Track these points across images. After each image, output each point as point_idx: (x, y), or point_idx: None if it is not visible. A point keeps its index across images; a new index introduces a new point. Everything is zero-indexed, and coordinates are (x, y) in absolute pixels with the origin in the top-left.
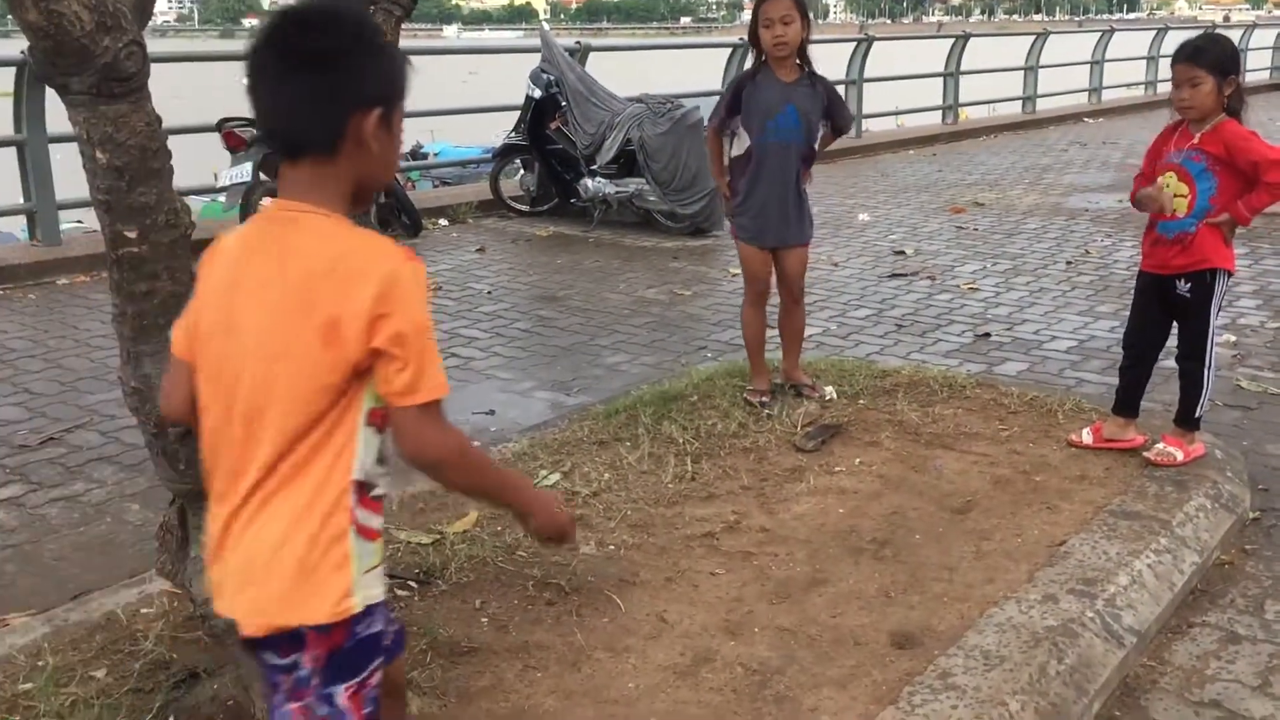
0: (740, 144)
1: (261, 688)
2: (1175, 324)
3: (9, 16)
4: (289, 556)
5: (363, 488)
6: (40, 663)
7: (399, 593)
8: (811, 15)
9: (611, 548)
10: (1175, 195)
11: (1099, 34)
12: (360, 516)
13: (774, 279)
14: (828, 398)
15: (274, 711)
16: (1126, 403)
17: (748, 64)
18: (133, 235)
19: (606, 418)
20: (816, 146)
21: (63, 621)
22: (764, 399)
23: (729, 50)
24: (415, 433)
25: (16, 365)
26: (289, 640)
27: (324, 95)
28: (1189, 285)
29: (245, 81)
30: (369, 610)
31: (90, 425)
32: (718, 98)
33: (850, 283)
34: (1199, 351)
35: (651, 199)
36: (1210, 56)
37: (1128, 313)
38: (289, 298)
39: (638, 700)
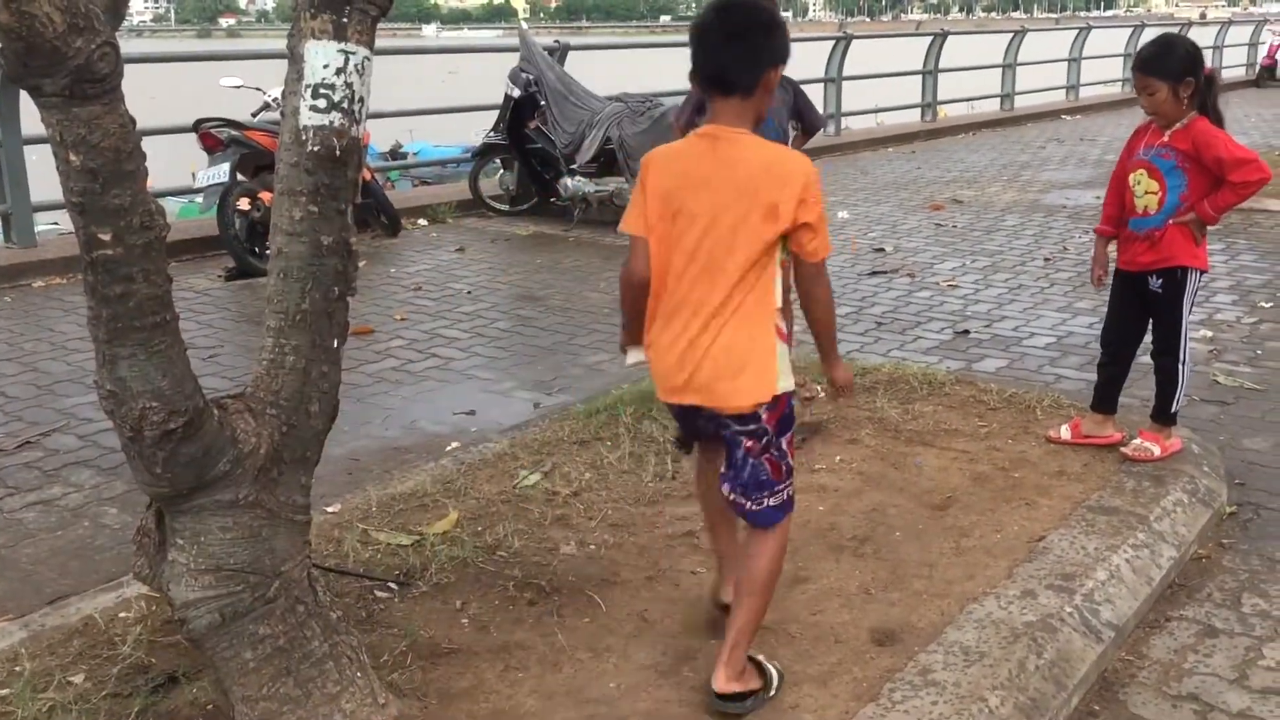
0: None
1: (706, 459)
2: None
3: None
4: (753, 358)
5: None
6: (17, 668)
7: (379, 594)
8: (789, 14)
9: (592, 547)
10: (1146, 192)
11: (1076, 31)
12: (781, 330)
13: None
14: (819, 395)
15: (743, 463)
16: (1104, 399)
17: None
18: (107, 238)
19: (587, 417)
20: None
21: (40, 626)
22: None
23: None
24: (815, 275)
25: None
26: (751, 413)
27: (753, 55)
28: (1160, 282)
29: (692, 45)
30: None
31: (67, 429)
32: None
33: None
34: (1173, 347)
35: None
36: (1160, 64)
37: (1105, 309)
38: (738, 187)
39: (619, 700)
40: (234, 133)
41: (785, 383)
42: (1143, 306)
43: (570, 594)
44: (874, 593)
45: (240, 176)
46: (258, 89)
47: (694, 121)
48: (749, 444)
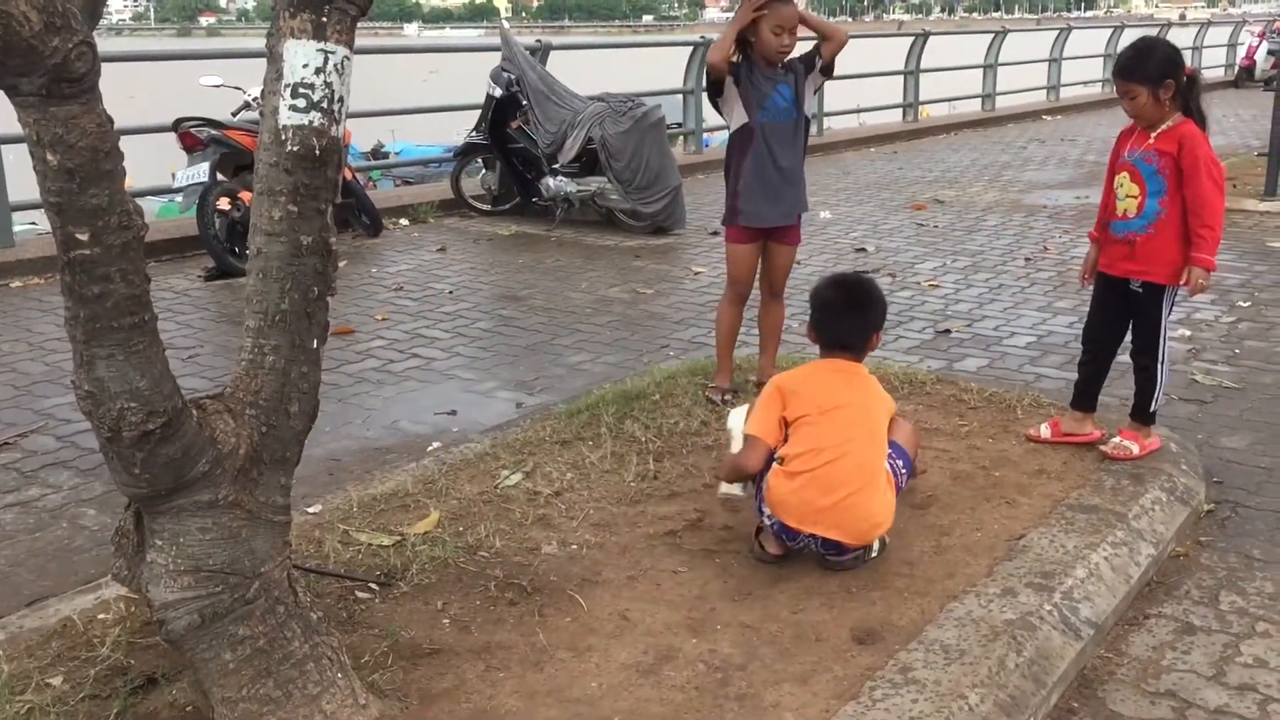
0: (738, 117)
1: None
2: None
3: None
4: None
5: None
6: None
7: (360, 595)
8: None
9: (574, 547)
10: (1127, 195)
11: (1057, 32)
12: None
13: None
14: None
15: None
16: (1084, 396)
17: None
18: (84, 238)
19: (569, 417)
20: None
21: (18, 628)
22: (726, 397)
23: (690, 49)
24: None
25: None
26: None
27: (865, 324)
28: (1140, 283)
29: (814, 310)
30: None
31: (46, 429)
32: (683, 97)
33: (812, 280)
34: (1152, 347)
35: (613, 198)
36: (1138, 69)
37: (1086, 308)
38: (865, 398)
39: (600, 699)
40: (214, 132)
41: None
42: (1124, 307)
43: (552, 594)
44: (855, 591)
45: (220, 176)
46: (238, 88)
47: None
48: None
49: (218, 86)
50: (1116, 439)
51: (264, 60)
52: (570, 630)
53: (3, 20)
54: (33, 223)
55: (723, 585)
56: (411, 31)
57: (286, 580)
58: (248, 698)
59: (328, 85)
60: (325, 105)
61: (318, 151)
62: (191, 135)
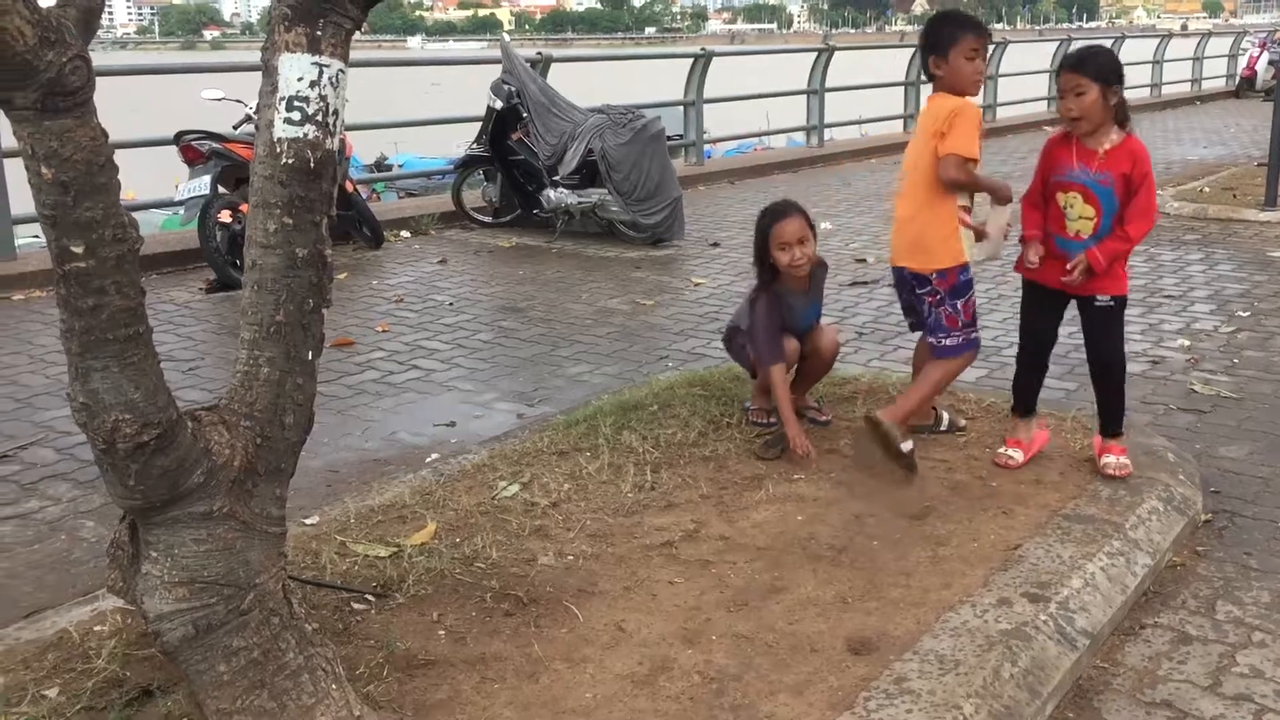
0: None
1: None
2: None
3: None
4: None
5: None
6: None
7: (356, 606)
8: (773, 26)
9: (570, 558)
10: (1080, 217)
11: (1058, 43)
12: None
13: None
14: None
15: (927, 315)
16: (1028, 401)
17: (709, 75)
18: (79, 250)
19: (567, 428)
20: None
21: (14, 640)
22: (772, 419)
23: (690, 60)
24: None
25: None
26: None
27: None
28: (1110, 298)
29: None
30: (965, 266)
31: (45, 442)
32: (684, 109)
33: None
34: (1120, 356)
35: (614, 209)
36: (1091, 63)
37: (1075, 318)
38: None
39: (595, 710)
40: (215, 145)
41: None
42: (1057, 314)
43: (547, 605)
44: (851, 602)
45: (221, 189)
46: (239, 101)
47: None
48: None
49: (219, 100)
50: (1111, 459)
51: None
52: (566, 641)
53: None
54: (35, 236)
55: (719, 596)
56: (415, 44)
57: (282, 592)
58: (242, 709)
59: (322, 98)
60: (320, 118)
61: (312, 164)
62: (193, 148)
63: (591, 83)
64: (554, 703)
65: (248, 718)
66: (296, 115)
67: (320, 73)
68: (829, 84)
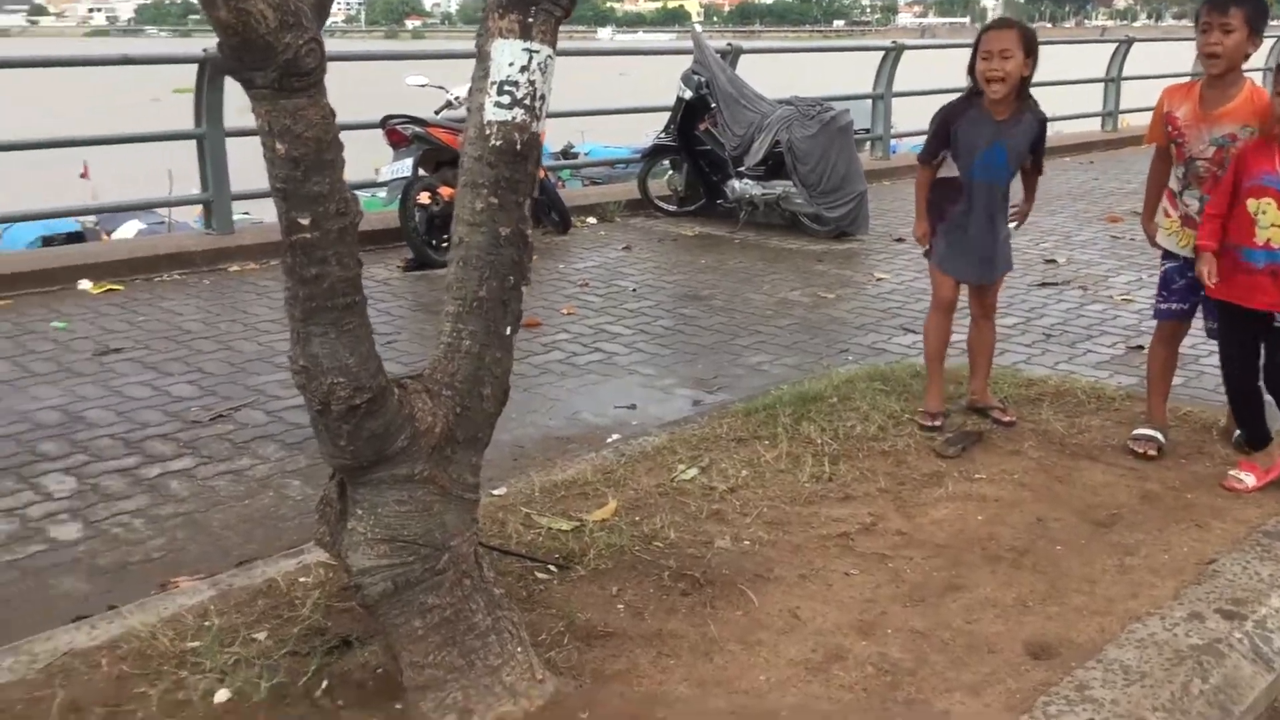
0: (948, 169)
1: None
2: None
3: (190, 17)
4: None
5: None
6: (206, 623)
7: (539, 575)
8: (966, 20)
9: (746, 543)
10: (1272, 224)
11: (1275, 39)
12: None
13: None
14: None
15: None
16: (1258, 432)
17: (899, 69)
18: (306, 222)
19: (746, 416)
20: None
21: (228, 586)
22: (936, 422)
23: (881, 54)
24: None
25: (191, 346)
26: None
27: None
28: None
29: None
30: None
31: (257, 404)
32: (872, 103)
33: (1011, 294)
34: None
35: (798, 201)
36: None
37: None
38: None
39: (769, 693)
40: (418, 129)
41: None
42: (1252, 334)
43: (723, 587)
44: (1031, 605)
45: (421, 172)
46: (441, 87)
47: (936, 156)
48: None
49: (423, 86)
50: (1235, 471)
51: (465, 61)
52: (741, 624)
53: (243, 18)
54: (246, 213)
55: (894, 590)
56: (605, 35)
57: (474, 555)
58: (434, 664)
59: (531, 83)
60: (528, 102)
61: (519, 146)
62: (397, 132)
63: (779, 75)
64: (728, 682)
65: (439, 672)
66: (506, 99)
67: (530, 58)
68: None
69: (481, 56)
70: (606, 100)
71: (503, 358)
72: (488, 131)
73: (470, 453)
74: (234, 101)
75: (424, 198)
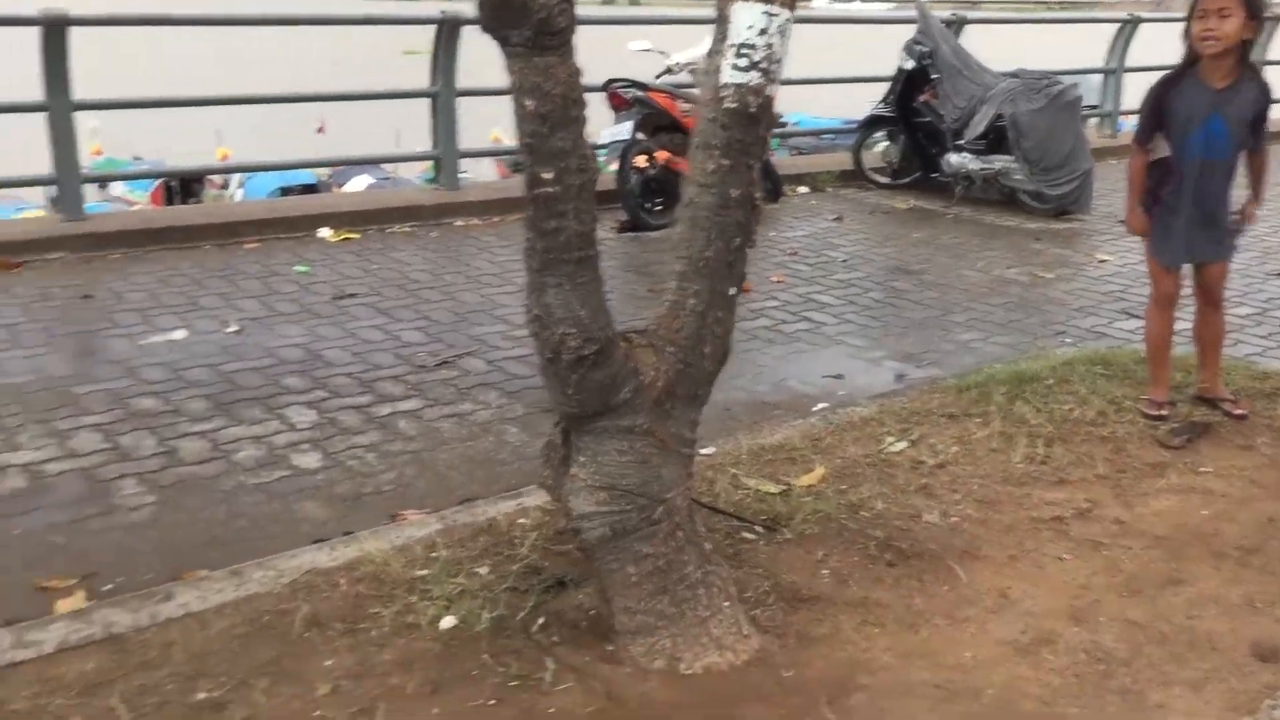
0: (1161, 149)
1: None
2: None
3: None
4: None
5: None
6: (434, 554)
7: (745, 535)
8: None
9: (955, 519)
10: None
11: None
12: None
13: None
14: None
15: None
16: None
17: (1134, 42)
18: (549, 176)
19: (958, 392)
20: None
21: (452, 521)
22: (1162, 411)
23: (1116, 25)
24: None
25: (419, 295)
26: None
27: None
28: None
29: None
30: None
31: (479, 353)
32: (1102, 77)
33: (1232, 278)
34: None
35: (1017, 177)
36: None
37: None
38: None
39: (974, 670)
40: (638, 93)
41: None
42: None
43: (930, 561)
44: (1260, 606)
45: (640, 135)
46: (662, 53)
47: (1151, 139)
48: None
49: (646, 51)
50: None
51: (686, 27)
52: (947, 599)
53: None
54: (464, 172)
55: (1109, 579)
56: (820, 4)
57: (687, 510)
58: (645, 610)
59: (769, 46)
60: (765, 65)
61: (753, 109)
62: (619, 95)
63: (1003, 46)
64: (932, 655)
65: (649, 619)
66: (743, 62)
67: (770, 21)
68: (1270, 55)
69: (721, 19)
70: (815, 70)
71: (725, 317)
72: (723, 94)
73: (689, 409)
74: (468, 61)
75: (640, 161)
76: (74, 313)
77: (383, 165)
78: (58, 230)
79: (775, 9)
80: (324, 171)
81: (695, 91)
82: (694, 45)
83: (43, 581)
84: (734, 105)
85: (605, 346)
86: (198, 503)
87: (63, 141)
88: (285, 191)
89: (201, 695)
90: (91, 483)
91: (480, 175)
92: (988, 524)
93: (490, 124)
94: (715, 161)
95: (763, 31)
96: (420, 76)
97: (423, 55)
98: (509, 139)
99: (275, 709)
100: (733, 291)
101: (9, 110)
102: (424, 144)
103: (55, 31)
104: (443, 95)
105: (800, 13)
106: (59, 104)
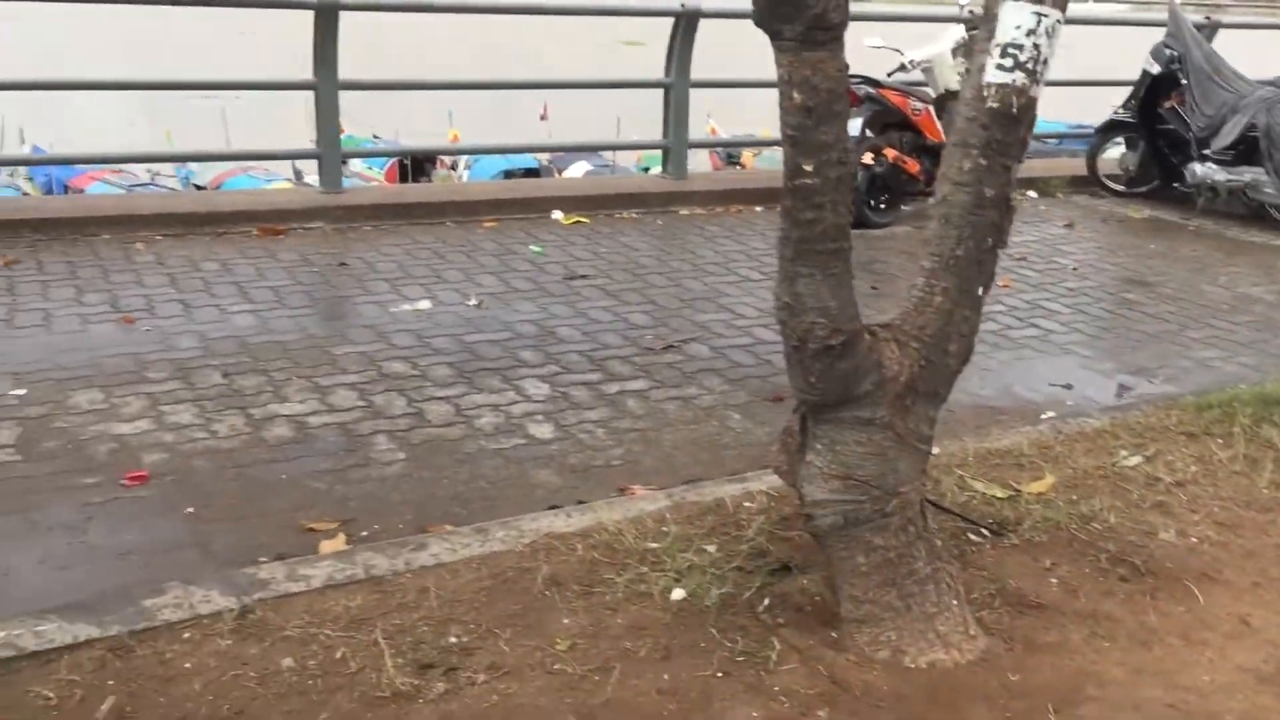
0: None
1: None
2: None
3: None
4: None
5: None
6: (664, 529)
7: (971, 537)
8: None
9: (1193, 540)
10: None
11: None
12: None
13: None
14: None
15: None
16: None
17: None
18: (809, 168)
19: (1198, 411)
20: None
21: (680, 499)
22: None
23: None
24: None
25: (645, 279)
26: None
27: None
28: None
29: None
30: None
31: (702, 340)
32: None
33: None
34: None
35: (1268, 191)
36: None
37: None
38: None
39: (1212, 694)
40: (870, 90)
41: None
42: None
43: (1165, 580)
44: None
45: (869, 132)
46: (896, 50)
47: None
48: None
49: (878, 48)
50: None
51: (923, 25)
52: (1183, 620)
53: None
54: (645, 168)
55: None
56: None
57: (919, 505)
58: (872, 600)
59: (1035, 47)
60: (1030, 66)
61: (1015, 110)
62: (851, 92)
63: (1259, 53)
64: (1166, 675)
65: (876, 609)
66: (1008, 62)
67: (1039, 22)
68: None
69: (988, 18)
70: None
71: (971, 316)
72: (985, 93)
73: (929, 406)
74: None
75: (868, 158)
76: (332, 278)
77: (602, 154)
78: (317, 201)
79: (1046, 9)
80: (545, 156)
81: (928, 90)
82: (929, 43)
83: (308, 523)
84: (995, 105)
85: (852, 338)
86: (443, 462)
87: (327, 119)
88: (508, 175)
89: (452, 639)
90: (349, 436)
91: (695, 166)
92: (1229, 547)
93: (705, 117)
94: (972, 160)
95: (1030, 32)
96: (635, 67)
97: (642, 46)
98: (724, 131)
99: (518, 659)
100: (981, 292)
101: (285, 88)
102: (641, 133)
103: (328, 15)
104: (677, 86)
105: None
106: (327, 83)
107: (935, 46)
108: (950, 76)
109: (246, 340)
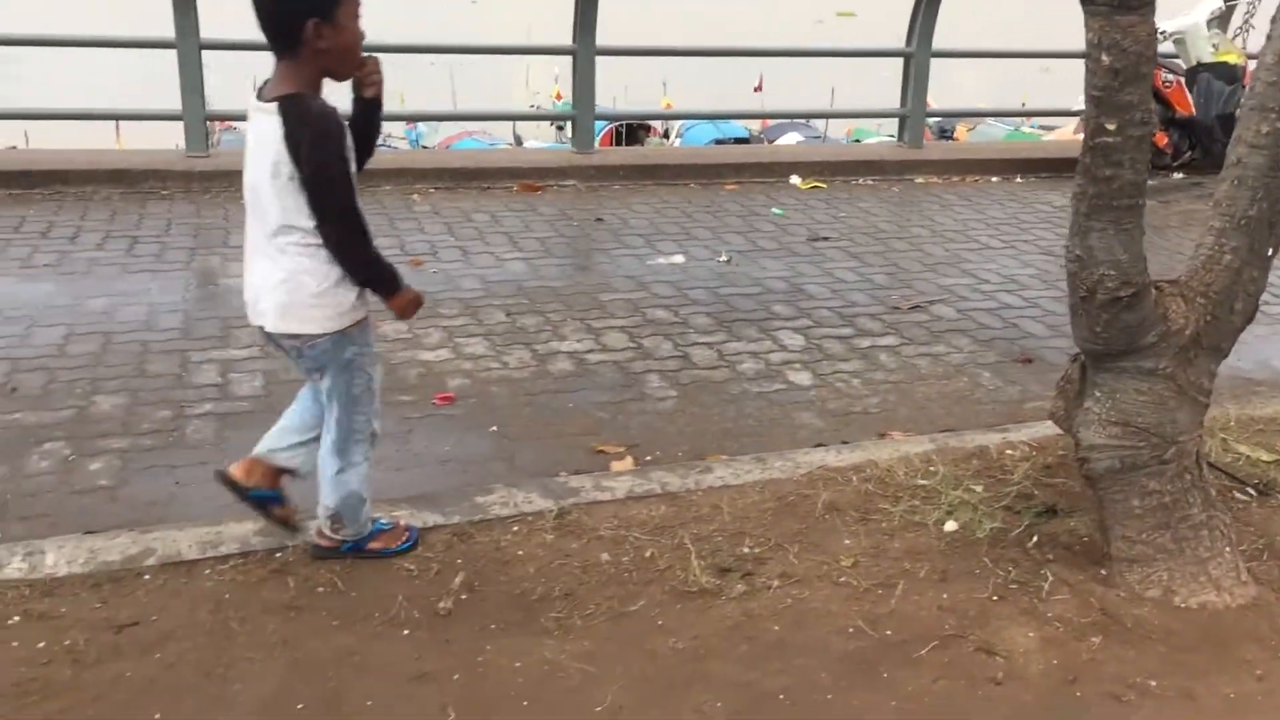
0: None
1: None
2: None
3: None
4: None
5: None
6: (932, 468)
7: (1237, 496)
8: None
9: None
10: None
11: None
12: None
13: None
14: None
15: None
16: None
17: None
18: (1111, 128)
19: None
20: None
21: (943, 444)
22: None
23: None
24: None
25: (886, 243)
26: None
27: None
28: None
29: None
30: None
31: (947, 302)
32: None
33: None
34: None
35: None
36: None
37: None
38: None
39: None
40: None
41: None
42: None
43: None
44: None
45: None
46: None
47: None
48: None
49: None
50: None
51: None
52: None
53: None
54: (889, 134)
55: None
56: None
57: (1196, 456)
58: (1144, 542)
59: None
60: None
61: None
62: None
63: None
64: None
65: (1148, 550)
66: None
67: None
68: None
69: None
70: None
71: (1259, 276)
72: None
73: (1211, 360)
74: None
75: None
76: (590, 232)
77: (812, 124)
78: (571, 161)
79: None
80: (755, 125)
81: (1179, 62)
82: (1183, 14)
83: (598, 445)
84: None
85: (1140, 291)
86: (710, 400)
87: (584, 82)
88: (719, 143)
89: (745, 549)
90: (625, 374)
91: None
92: None
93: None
94: (1270, 124)
95: None
96: (846, 39)
97: (854, 17)
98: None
99: (807, 570)
100: (1271, 252)
101: (545, 52)
102: (850, 105)
103: None
104: (918, 56)
105: None
106: (586, 49)
107: (1189, 17)
108: (1204, 48)
109: (522, 284)
